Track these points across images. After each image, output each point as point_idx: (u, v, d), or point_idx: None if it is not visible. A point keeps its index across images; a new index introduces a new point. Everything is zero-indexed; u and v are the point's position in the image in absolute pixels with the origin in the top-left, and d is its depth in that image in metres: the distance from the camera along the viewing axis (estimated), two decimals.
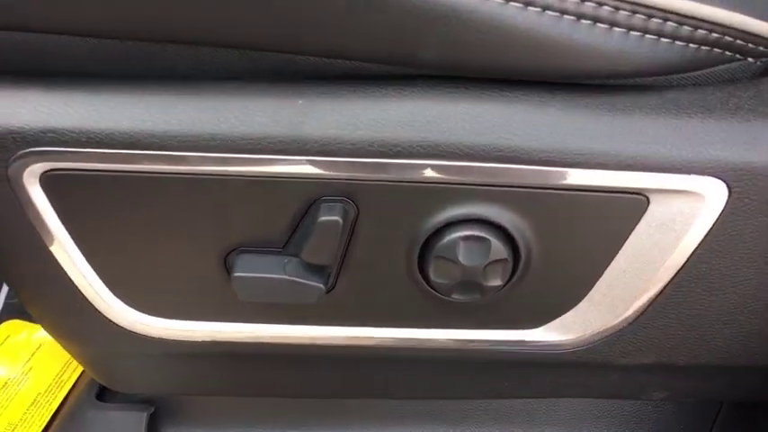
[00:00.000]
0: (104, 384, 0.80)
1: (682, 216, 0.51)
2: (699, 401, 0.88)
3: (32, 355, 1.09)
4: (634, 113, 0.49)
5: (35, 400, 1.02)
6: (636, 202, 0.51)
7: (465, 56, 0.46)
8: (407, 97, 0.48)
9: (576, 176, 0.49)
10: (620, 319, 0.59)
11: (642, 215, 0.52)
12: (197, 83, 0.49)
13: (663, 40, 0.47)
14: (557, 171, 0.49)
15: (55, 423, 0.94)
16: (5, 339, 1.11)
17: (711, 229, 0.52)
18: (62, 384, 1.04)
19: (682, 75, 0.49)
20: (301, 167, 0.49)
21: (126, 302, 0.61)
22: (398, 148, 0.48)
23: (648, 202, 0.51)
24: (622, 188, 0.50)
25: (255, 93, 0.48)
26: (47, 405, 1.01)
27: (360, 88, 0.49)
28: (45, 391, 1.03)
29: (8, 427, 0.97)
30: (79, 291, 0.59)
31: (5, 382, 1.04)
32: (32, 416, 1.00)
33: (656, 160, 0.49)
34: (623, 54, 0.46)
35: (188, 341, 0.64)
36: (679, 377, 0.69)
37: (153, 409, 0.85)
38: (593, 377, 0.69)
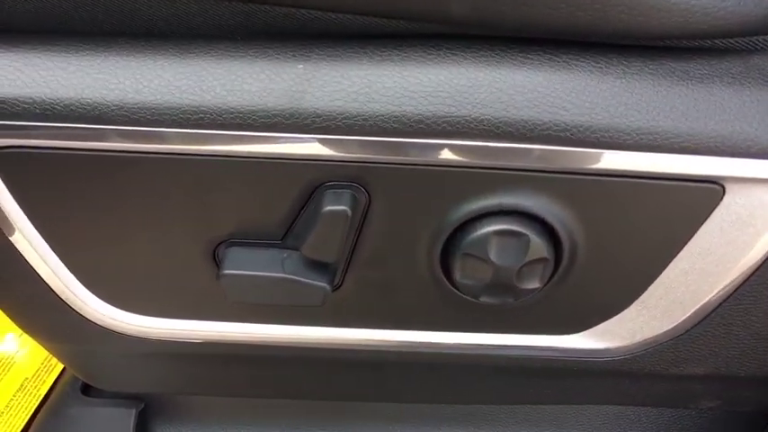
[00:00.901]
0: (86, 381, 0.74)
1: (764, 209, 0.45)
2: (752, 411, 0.81)
3: (20, 336, 1.05)
4: (712, 83, 0.42)
5: (22, 385, 0.98)
6: (708, 192, 0.44)
7: (504, 9, 0.39)
8: (433, 62, 0.42)
9: (638, 161, 0.42)
10: (674, 325, 0.53)
11: (715, 207, 0.45)
12: (176, 43, 0.43)
13: None
14: (614, 155, 0.42)
15: (39, 417, 0.89)
16: None
17: None
18: (51, 369, 1.01)
19: None
20: (302, 147, 0.43)
21: (102, 298, 0.55)
22: (421, 125, 0.42)
23: (724, 191, 0.44)
24: (693, 176, 0.43)
25: (247, 55, 0.42)
26: (34, 392, 0.98)
27: (374, 51, 0.42)
28: (32, 377, 1.00)
29: None
30: (48, 285, 0.54)
31: None
32: (19, 403, 0.96)
33: (736, 142, 0.42)
34: (702, 8, 0.39)
35: (173, 341, 0.58)
36: (734, 387, 0.63)
37: (142, 406, 0.80)
38: (635, 386, 0.63)
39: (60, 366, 1.00)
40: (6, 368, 1.00)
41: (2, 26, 0.42)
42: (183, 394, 0.84)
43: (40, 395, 0.96)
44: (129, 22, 0.42)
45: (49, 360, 1.01)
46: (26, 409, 0.94)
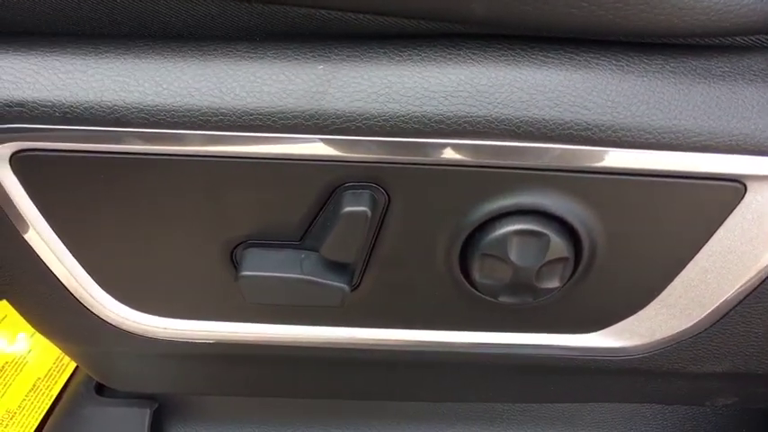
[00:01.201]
0: (100, 382, 0.74)
1: None
2: None
3: (32, 336, 1.05)
4: (734, 81, 0.41)
5: (34, 385, 0.98)
6: (730, 191, 0.44)
7: (525, 9, 0.39)
8: (453, 62, 0.41)
9: (659, 160, 0.42)
10: (693, 323, 0.53)
11: (736, 205, 0.45)
12: (195, 45, 0.42)
13: None
14: (635, 153, 0.42)
15: (53, 417, 0.89)
16: (3, 319, 1.07)
17: None
18: (63, 368, 1.01)
19: None
20: (321, 148, 0.42)
21: (118, 299, 0.55)
22: (441, 126, 0.41)
23: (745, 189, 0.44)
24: (715, 174, 0.43)
25: (266, 57, 0.42)
26: (47, 391, 0.97)
27: (394, 51, 0.42)
28: (45, 376, 1.00)
29: (6, 415, 0.94)
30: (64, 287, 0.54)
31: (3, 366, 1.00)
32: (31, 403, 0.96)
33: (758, 140, 0.41)
34: (724, 5, 0.38)
35: (189, 342, 0.58)
36: (752, 384, 0.62)
37: (157, 406, 0.80)
38: (653, 384, 0.62)
39: (72, 366, 1.00)
40: (19, 368, 1.00)
41: (20, 29, 0.42)
42: (198, 394, 0.84)
43: (52, 395, 0.96)
44: (148, 25, 0.42)
45: (61, 360, 1.01)
46: (39, 409, 0.94)
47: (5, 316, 1.07)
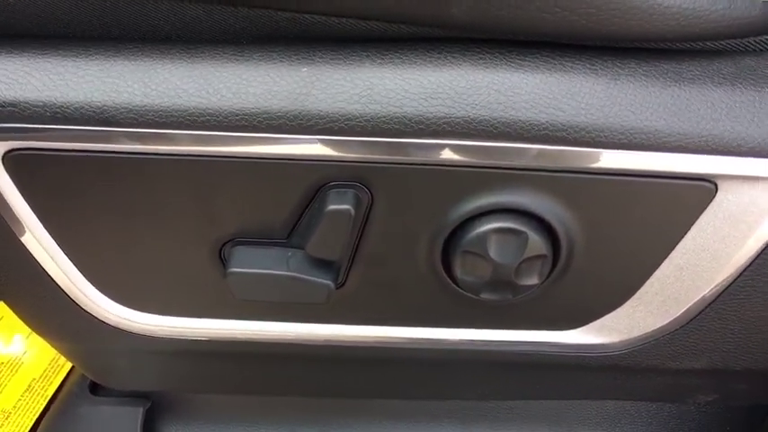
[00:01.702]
0: (94, 380, 0.75)
1: (755, 206, 0.45)
2: (749, 404, 0.82)
3: (27, 337, 1.06)
4: (704, 84, 0.42)
5: (29, 386, 0.99)
6: (701, 190, 0.45)
7: (502, 13, 0.39)
8: (432, 65, 0.42)
9: (633, 160, 0.43)
10: (670, 320, 0.54)
11: (708, 204, 0.45)
12: (183, 47, 0.43)
13: None
14: (609, 153, 0.42)
15: (47, 416, 0.89)
16: None
17: None
18: (58, 369, 1.01)
19: (762, 37, 0.43)
20: (305, 148, 0.43)
21: (110, 297, 0.56)
22: (421, 126, 0.42)
23: (716, 189, 0.45)
24: (687, 174, 0.44)
25: (252, 59, 0.43)
26: (42, 392, 0.98)
27: (375, 54, 0.43)
28: (40, 377, 1.00)
29: (1, 415, 0.94)
30: (58, 286, 0.54)
31: None
32: (26, 403, 0.96)
33: (728, 141, 0.42)
34: (694, 11, 0.39)
35: (181, 339, 0.59)
36: (731, 381, 0.63)
37: (149, 404, 0.80)
38: (633, 380, 0.63)
39: (67, 367, 1.00)
40: (14, 369, 1.00)
41: (12, 31, 0.43)
42: (191, 392, 0.84)
43: (47, 395, 0.96)
44: (137, 28, 0.43)
45: (57, 361, 1.02)
46: (34, 409, 0.95)
47: (2, 317, 1.08)
